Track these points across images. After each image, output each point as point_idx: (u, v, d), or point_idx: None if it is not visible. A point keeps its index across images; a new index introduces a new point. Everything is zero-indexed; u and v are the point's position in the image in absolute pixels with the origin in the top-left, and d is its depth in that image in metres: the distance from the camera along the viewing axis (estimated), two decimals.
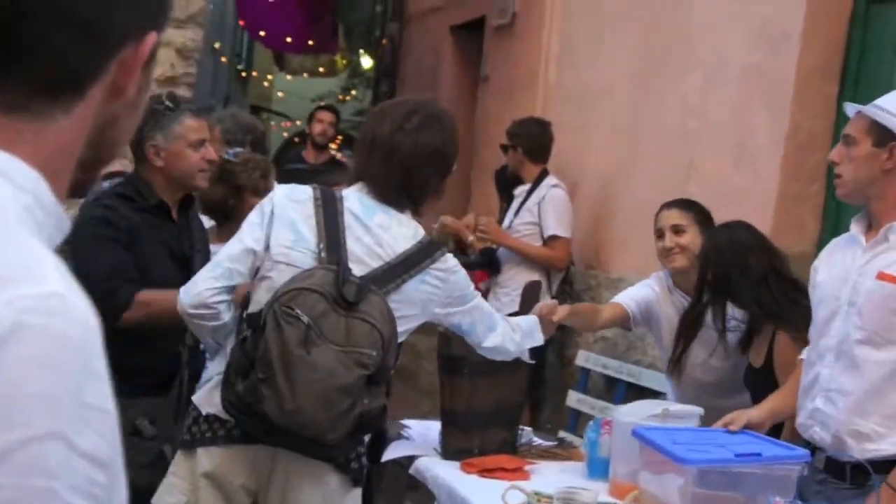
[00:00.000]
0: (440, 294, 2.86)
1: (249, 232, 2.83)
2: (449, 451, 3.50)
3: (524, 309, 3.69)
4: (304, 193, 2.86)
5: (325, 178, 7.63)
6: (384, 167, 2.82)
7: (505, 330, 3.08)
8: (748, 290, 3.52)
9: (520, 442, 3.67)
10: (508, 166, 6.20)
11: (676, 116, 5.35)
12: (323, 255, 2.75)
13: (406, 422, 4.02)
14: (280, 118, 20.19)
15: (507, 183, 6.37)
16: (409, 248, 2.80)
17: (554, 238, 5.79)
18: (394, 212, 2.85)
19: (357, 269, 2.73)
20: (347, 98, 17.31)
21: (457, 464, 3.40)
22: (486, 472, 3.31)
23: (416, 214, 2.93)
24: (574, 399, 5.39)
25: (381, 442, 3.96)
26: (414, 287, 2.80)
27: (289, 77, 16.79)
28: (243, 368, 2.62)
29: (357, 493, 2.86)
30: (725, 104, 5.00)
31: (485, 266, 5.99)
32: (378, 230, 2.81)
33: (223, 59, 18.64)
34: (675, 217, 4.01)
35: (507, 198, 6.35)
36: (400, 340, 2.79)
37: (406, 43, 10.96)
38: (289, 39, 14.00)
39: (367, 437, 2.87)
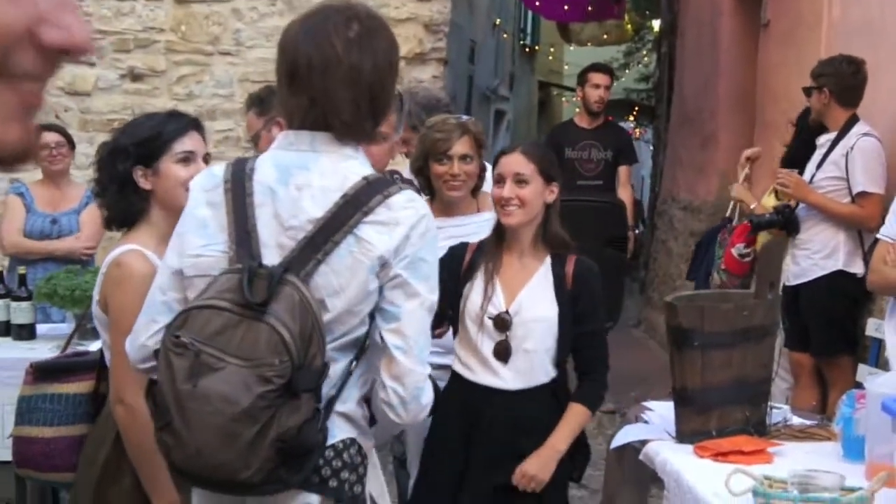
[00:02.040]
0: (381, 248, 2.31)
1: (172, 247, 2.48)
2: (683, 433, 3.31)
3: (765, 271, 3.44)
4: (214, 178, 2.45)
5: (601, 138, 7.62)
6: (350, 94, 2.34)
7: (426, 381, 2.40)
8: None
9: (771, 422, 3.42)
10: (811, 112, 5.78)
11: None
12: (232, 253, 2.36)
13: (649, 403, 3.86)
14: (571, 93, 20.20)
15: (807, 131, 5.95)
16: (331, 207, 2.32)
17: (863, 195, 5.35)
18: (323, 157, 2.37)
19: (275, 257, 2.33)
20: (631, 65, 17.06)
21: (690, 447, 3.21)
22: (720, 455, 3.10)
23: (370, 142, 2.51)
24: (865, 373, 4.99)
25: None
26: (346, 252, 2.31)
27: (571, 48, 16.78)
28: (154, 418, 2.34)
29: None
30: None
31: (780, 225, 5.65)
32: (295, 195, 2.35)
33: (505, 36, 18.92)
34: None
35: (805, 148, 5.93)
36: (367, 311, 2.34)
37: None
38: (566, 7, 13.93)
39: (342, 456, 2.38)
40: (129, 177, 3.03)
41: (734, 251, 5.94)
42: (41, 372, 3.40)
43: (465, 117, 4.17)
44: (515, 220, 3.51)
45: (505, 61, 19.55)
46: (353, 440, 2.40)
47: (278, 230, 2.35)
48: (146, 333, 2.44)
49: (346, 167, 2.37)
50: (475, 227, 3.92)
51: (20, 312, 4.92)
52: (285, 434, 2.20)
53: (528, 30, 21.33)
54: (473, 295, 3.53)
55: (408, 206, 2.35)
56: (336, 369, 2.34)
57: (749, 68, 8.37)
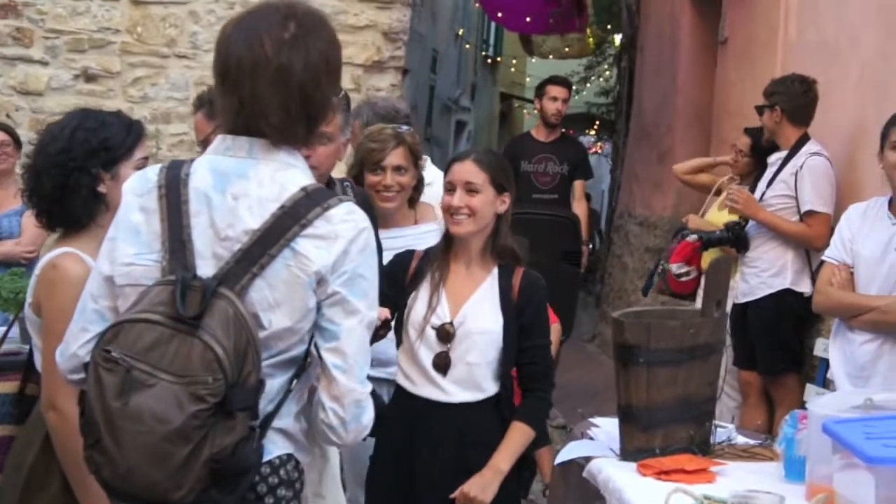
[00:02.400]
0: (318, 263, 2.24)
1: (103, 253, 2.39)
2: (627, 451, 3.30)
3: (711, 289, 3.45)
4: (147, 182, 2.36)
5: (557, 152, 7.62)
6: (278, 96, 2.27)
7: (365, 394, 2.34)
8: None
9: (716, 440, 3.42)
10: (764, 130, 5.82)
11: None
12: (165, 263, 2.27)
13: (596, 419, 3.85)
14: (533, 105, 20.25)
15: (761, 149, 6.00)
16: (268, 219, 2.24)
17: (811, 213, 5.41)
18: (262, 165, 2.30)
19: (210, 268, 2.24)
20: (592, 78, 17.09)
21: (633, 465, 3.21)
22: (663, 474, 3.10)
23: (307, 145, 2.45)
24: (812, 393, 5.01)
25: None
26: (282, 266, 2.23)
27: (533, 60, 16.79)
28: (83, 434, 2.27)
29: None
30: None
31: (730, 242, 5.67)
32: (232, 204, 2.26)
33: (468, 46, 18.94)
34: None
35: (759, 166, 5.99)
36: (306, 328, 2.29)
37: (645, 12, 10.67)
38: (528, 19, 13.92)
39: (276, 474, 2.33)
40: (96, 180, 2.99)
41: (671, 269, 5.95)
42: None
43: (403, 128, 4.12)
44: (464, 230, 3.44)
45: (467, 72, 19.58)
46: (290, 455, 2.35)
47: (213, 240, 2.27)
48: (77, 343, 2.36)
49: (286, 176, 2.30)
50: (412, 238, 3.88)
51: None
52: (219, 454, 2.14)
53: (491, 41, 21.38)
54: (418, 304, 3.47)
55: (347, 218, 2.29)
56: (273, 385, 2.28)
57: (706, 84, 8.43)
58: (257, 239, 2.24)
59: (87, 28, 7.38)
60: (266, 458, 2.28)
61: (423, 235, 3.91)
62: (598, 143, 21.70)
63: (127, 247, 2.32)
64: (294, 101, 2.28)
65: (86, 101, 7.26)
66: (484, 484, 3.34)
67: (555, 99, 7.79)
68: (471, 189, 3.43)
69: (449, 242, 3.52)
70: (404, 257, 3.59)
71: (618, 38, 14.71)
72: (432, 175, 4.40)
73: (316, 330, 2.30)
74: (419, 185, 4.06)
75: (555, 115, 7.78)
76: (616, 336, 3.33)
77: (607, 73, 17.53)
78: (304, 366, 2.32)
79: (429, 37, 15.37)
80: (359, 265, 2.29)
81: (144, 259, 2.30)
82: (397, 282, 3.50)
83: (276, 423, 2.30)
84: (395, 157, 3.93)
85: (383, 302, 3.18)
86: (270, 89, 2.27)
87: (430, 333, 3.43)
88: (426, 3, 14.62)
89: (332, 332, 2.29)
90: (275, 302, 2.23)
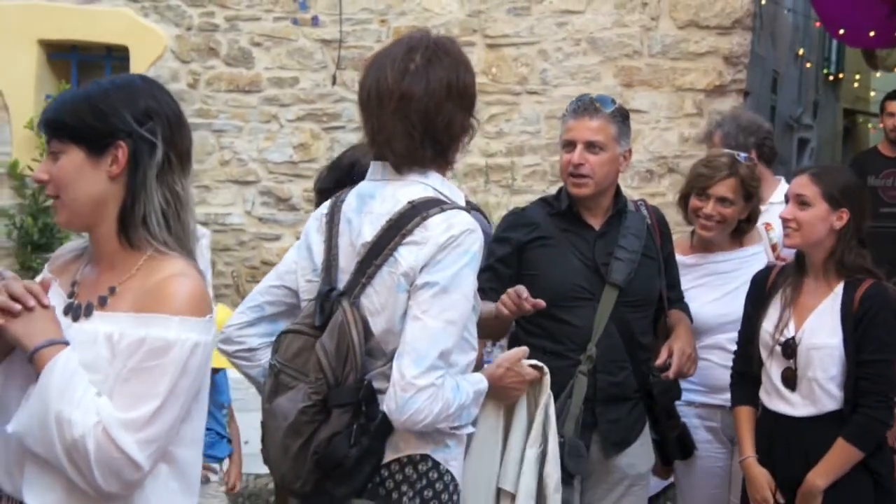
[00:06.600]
0: (405, 265, 2.37)
1: (282, 263, 2.66)
2: None
3: None
4: (325, 207, 2.61)
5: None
6: (401, 123, 2.42)
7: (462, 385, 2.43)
8: None
9: None
10: None
11: None
12: (318, 280, 2.51)
13: None
14: (877, 120, 19.50)
15: None
16: (378, 232, 2.41)
17: None
18: (389, 185, 2.46)
19: (346, 281, 2.46)
20: None
21: None
22: None
23: (448, 166, 2.53)
24: None
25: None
26: (386, 273, 2.39)
27: (877, 74, 16.20)
28: None
29: None
30: None
31: None
32: (363, 221, 2.46)
33: (808, 65, 18.52)
34: None
35: None
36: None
37: None
38: (872, 34, 13.48)
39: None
40: None
41: None
42: None
43: (742, 156, 3.95)
44: (791, 243, 3.52)
45: (808, 90, 19.14)
46: (425, 456, 2.45)
47: (350, 257, 2.47)
48: (234, 319, 2.76)
49: (405, 193, 2.44)
50: (737, 262, 3.89)
51: None
52: (318, 446, 2.35)
53: (833, 58, 20.79)
54: (769, 319, 3.51)
55: (442, 224, 2.38)
56: None
57: None
58: (368, 251, 2.42)
59: None
60: (395, 456, 2.40)
61: (749, 259, 3.87)
62: None
63: (306, 263, 2.57)
64: (416, 128, 2.43)
65: None
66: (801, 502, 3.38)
67: (892, 115, 7.70)
68: (802, 202, 3.46)
69: (801, 259, 3.55)
70: (762, 274, 3.64)
71: None
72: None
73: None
74: (752, 217, 3.93)
75: (893, 131, 7.69)
76: None
77: None
78: None
79: (769, 58, 15.19)
80: (445, 264, 2.36)
81: (316, 276, 2.53)
82: (757, 300, 3.57)
83: None
84: (723, 187, 3.80)
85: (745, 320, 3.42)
86: (393, 119, 2.43)
87: (779, 349, 3.46)
88: (766, 25, 14.49)
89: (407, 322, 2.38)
90: (380, 306, 2.39)
